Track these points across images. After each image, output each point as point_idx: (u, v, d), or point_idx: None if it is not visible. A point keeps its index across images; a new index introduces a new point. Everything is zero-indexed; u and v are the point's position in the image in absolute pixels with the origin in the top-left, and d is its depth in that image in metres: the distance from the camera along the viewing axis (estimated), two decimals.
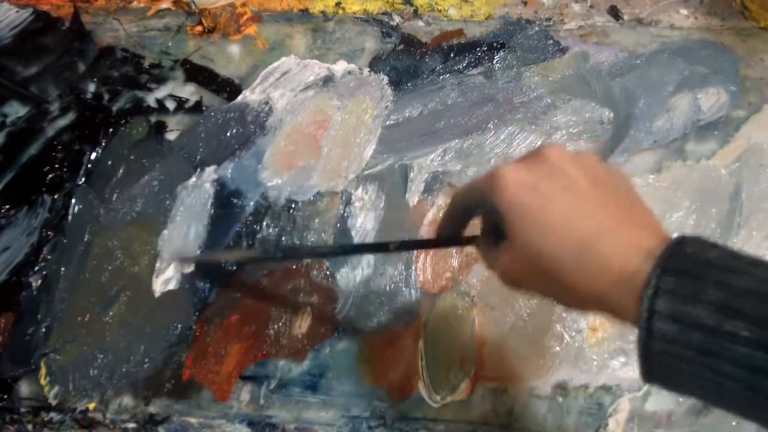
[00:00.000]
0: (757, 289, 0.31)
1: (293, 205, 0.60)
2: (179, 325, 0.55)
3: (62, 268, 0.56)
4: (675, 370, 0.32)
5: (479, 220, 0.43)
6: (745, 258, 0.33)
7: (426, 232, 0.59)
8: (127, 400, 0.54)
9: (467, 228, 0.43)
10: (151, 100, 0.64)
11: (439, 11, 0.68)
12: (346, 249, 0.56)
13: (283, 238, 0.58)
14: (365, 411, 0.54)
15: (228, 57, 0.66)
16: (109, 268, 0.57)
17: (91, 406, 0.53)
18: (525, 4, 0.68)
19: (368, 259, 0.58)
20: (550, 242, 0.35)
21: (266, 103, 0.63)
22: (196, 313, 0.56)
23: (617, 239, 0.34)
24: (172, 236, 0.58)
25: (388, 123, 0.63)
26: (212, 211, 0.59)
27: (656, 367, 0.33)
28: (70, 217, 0.58)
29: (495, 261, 0.40)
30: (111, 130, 0.62)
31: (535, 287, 0.38)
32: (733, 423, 0.54)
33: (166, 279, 0.56)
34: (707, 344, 0.31)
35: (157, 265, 0.57)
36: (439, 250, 0.58)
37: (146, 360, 0.54)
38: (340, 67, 0.65)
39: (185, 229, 0.58)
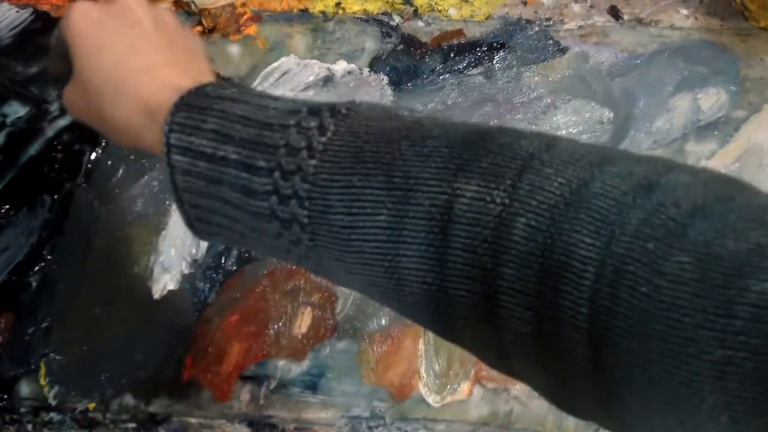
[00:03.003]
0: (249, 114, 0.32)
1: None
2: (179, 325, 0.55)
3: (62, 268, 0.56)
4: (201, 208, 0.33)
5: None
6: (254, 91, 0.35)
7: None
8: (127, 400, 0.54)
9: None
10: None
11: (439, 11, 0.68)
12: None
13: None
14: (365, 411, 0.54)
15: (228, 57, 0.66)
16: (109, 268, 0.57)
17: (91, 406, 0.54)
18: (525, 4, 0.68)
19: None
20: (98, 76, 0.37)
21: None
22: (196, 313, 0.56)
23: (156, 75, 0.36)
24: (172, 236, 0.58)
25: None
26: None
27: (188, 208, 0.34)
28: (70, 217, 0.58)
29: (66, 90, 0.41)
30: None
31: (87, 118, 0.40)
32: None
33: (165, 279, 0.56)
34: (210, 171, 0.32)
35: (157, 265, 0.57)
36: None
37: (146, 360, 0.54)
38: (340, 67, 0.65)
39: (185, 229, 0.58)
